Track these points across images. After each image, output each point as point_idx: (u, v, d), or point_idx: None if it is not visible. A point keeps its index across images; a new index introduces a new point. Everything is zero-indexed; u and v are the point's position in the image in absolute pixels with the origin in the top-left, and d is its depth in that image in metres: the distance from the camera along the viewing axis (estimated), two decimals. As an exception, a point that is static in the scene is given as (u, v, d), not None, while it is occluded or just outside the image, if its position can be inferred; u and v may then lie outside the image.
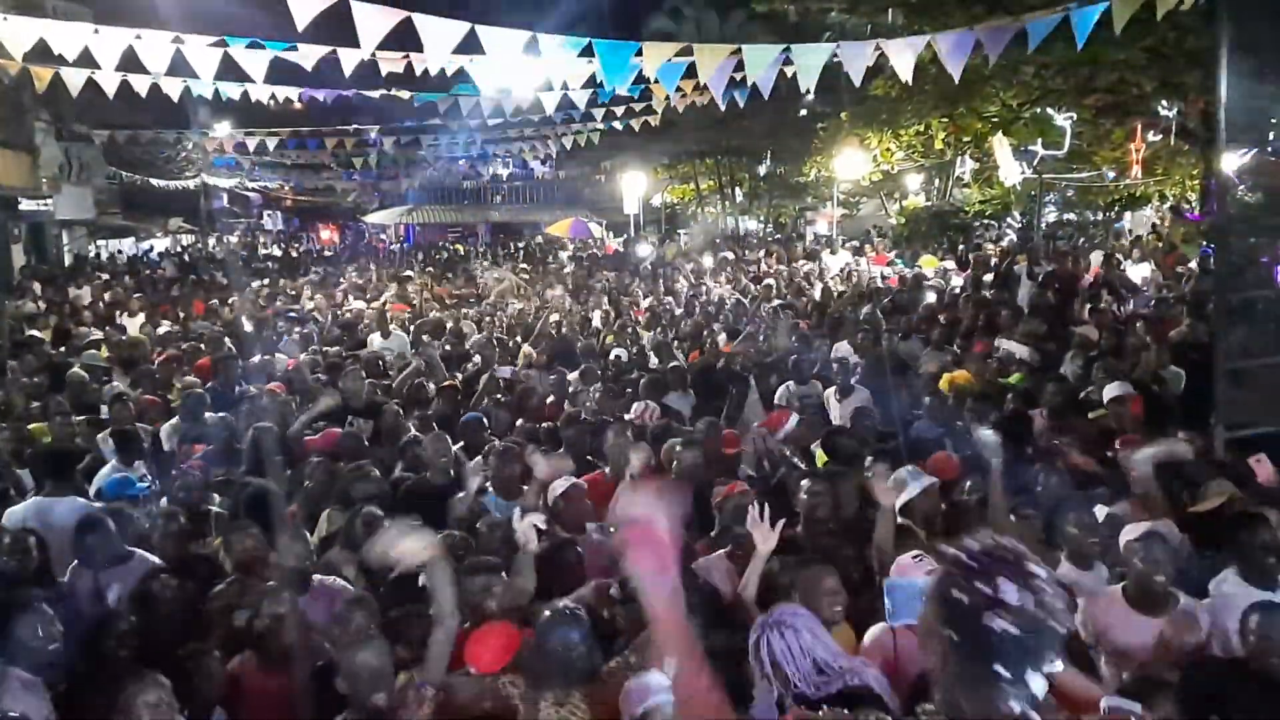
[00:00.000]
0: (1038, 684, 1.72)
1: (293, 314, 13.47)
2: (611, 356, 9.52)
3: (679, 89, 9.64)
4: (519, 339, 11.03)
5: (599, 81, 8.74)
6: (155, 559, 4.81)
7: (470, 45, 6.66)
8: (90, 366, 9.52)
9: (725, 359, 9.07)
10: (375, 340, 10.97)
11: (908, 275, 15.83)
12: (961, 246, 21.50)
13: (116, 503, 5.38)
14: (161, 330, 12.23)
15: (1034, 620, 1.69)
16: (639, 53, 7.05)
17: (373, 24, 6.13)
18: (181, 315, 13.82)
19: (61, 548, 4.83)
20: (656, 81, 8.49)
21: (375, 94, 10.87)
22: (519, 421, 7.29)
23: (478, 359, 9.41)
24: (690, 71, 7.60)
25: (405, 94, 10.83)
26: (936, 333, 9.82)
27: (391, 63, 7.61)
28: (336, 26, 6.34)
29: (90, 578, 4.59)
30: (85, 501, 5.55)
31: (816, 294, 14.16)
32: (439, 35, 6.35)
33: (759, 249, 24.54)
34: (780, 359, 9.09)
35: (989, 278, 13.49)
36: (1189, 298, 10.82)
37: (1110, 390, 6.70)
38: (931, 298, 12.46)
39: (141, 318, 13.42)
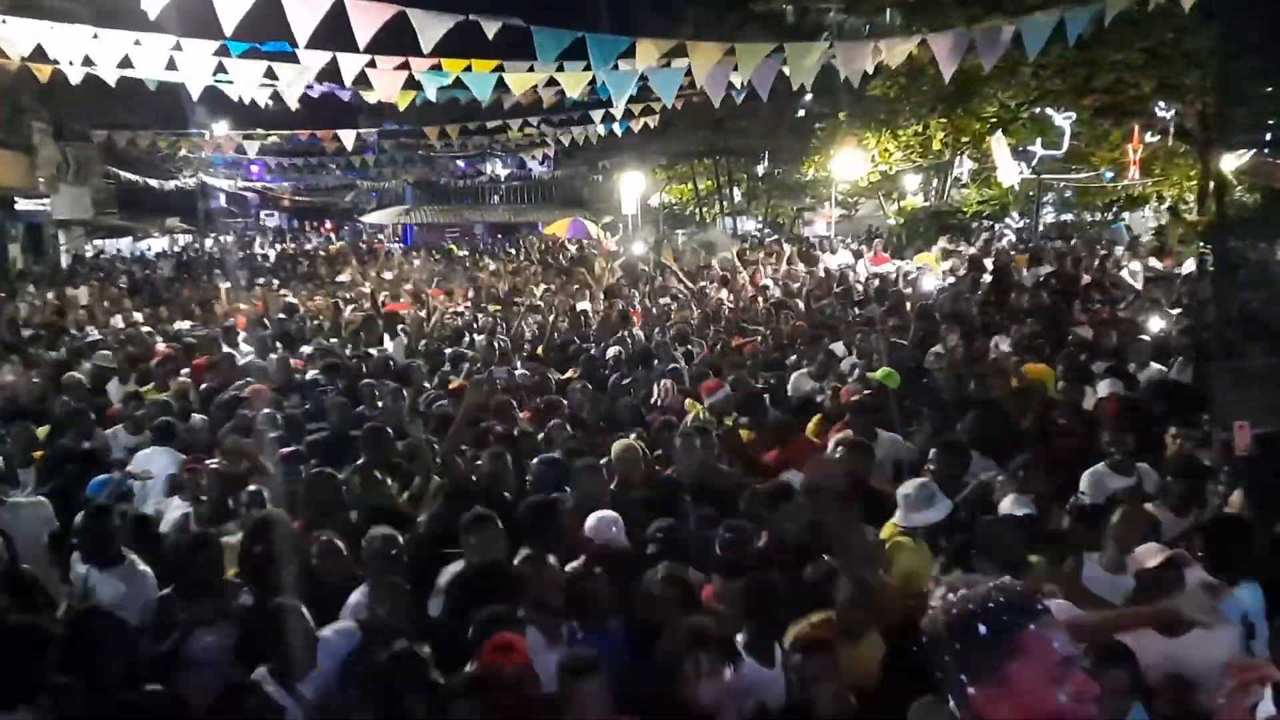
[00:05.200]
0: None
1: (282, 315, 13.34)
2: (609, 354, 9.44)
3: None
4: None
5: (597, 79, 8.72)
6: None
7: (465, 39, 6.62)
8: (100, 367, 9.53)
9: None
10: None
11: (906, 271, 15.75)
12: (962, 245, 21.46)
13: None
14: (146, 330, 12.18)
15: None
16: (631, 49, 7.03)
17: (366, 19, 6.12)
18: (166, 313, 13.79)
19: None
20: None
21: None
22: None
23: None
24: (687, 72, 7.59)
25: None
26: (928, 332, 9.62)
27: (389, 72, 7.61)
28: (334, 27, 6.33)
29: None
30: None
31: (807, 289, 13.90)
32: (431, 27, 6.32)
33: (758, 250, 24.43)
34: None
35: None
36: (1184, 299, 10.82)
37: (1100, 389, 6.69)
38: (929, 286, 12.42)
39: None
